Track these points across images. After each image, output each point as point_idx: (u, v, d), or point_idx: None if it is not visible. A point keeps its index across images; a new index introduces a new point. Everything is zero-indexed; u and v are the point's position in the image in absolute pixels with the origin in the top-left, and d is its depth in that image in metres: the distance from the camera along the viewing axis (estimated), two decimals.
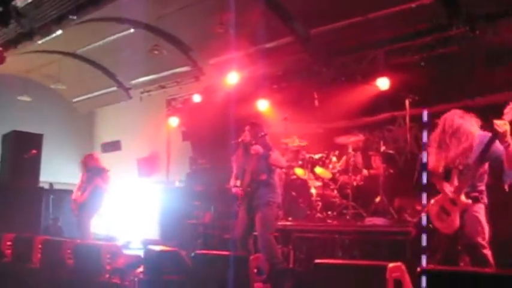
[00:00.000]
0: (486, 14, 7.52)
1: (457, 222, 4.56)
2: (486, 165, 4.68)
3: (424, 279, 3.69)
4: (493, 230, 5.38)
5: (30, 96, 13.53)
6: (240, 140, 6.40)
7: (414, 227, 5.46)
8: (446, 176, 4.72)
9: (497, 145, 4.54)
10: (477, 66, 7.67)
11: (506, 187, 4.69)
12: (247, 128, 6.42)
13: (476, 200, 4.61)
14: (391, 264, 3.92)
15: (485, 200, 4.67)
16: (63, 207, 12.49)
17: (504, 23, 7.35)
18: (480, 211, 4.60)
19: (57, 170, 13.40)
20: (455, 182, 4.62)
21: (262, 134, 6.37)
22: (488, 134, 4.54)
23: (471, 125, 4.72)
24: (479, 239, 4.47)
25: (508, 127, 4.29)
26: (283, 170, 6.72)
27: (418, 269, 3.77)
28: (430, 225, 4.74)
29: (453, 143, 4.70)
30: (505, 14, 7.38)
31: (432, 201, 4.77)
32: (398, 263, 4.03)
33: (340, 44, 9.38)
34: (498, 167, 4.60)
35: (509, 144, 4.34)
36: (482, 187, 4.68)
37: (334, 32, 9.27)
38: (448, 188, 4.65)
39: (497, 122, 4.31)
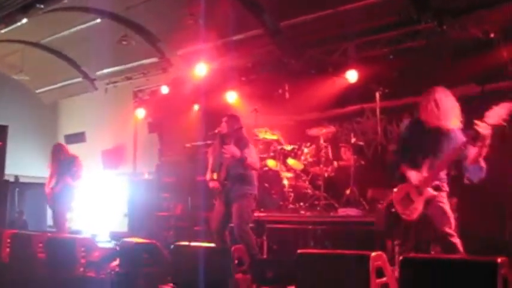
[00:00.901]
0: (453, 9, 7.71)
1: (419, 210, 4.63)
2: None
3: (405, 268, 3.83)
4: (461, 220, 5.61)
5: None
6: (216, 131, 6.37)
7: (384, 211, 5.51)
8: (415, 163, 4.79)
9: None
10: (444, 60, 7.86)
11: (465, 180, 4.80)
12: (224, 119, 6.39)
13: (438, 189, 4.69)
14: (373, 253, 4.03)
15: (446, 188, 4.75)
16: (28, 200, 12.26)
17: (471, 18, 7.55)
18: (443, 200, 4.68)
19: (22, 162, 13.11)
20: (425, 173, 4.70)
21: (238, 127, 6.35)
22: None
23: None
24: (447, 229, 4.56)
25: (489, 131, 4.30)
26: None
27: (401, 258, 3.90)
28: (393, 210, 4.80)
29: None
30: (471, 9, 7.58)
31: (397, 188, 4.84)
32: (380, 252, 4.14)
33: (310, 36, 9.45)
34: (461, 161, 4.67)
35: (485, 146, 4.39)
36: (443, 175, 4.76)
37: (304, 25, 9.32)
38: (416, 177, 4.72)
39: (479, 124, 4.30)
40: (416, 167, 4.75)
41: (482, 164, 4.59)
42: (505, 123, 4.28)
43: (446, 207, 4.67)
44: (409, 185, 4.74)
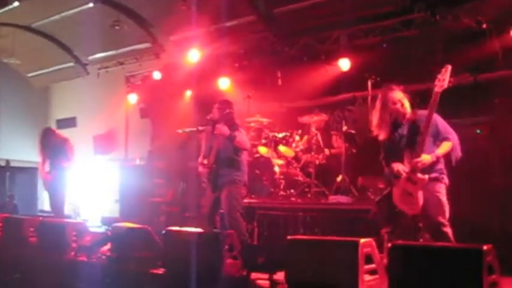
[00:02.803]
0: (446, 0, 7.74)
1: (420, 200, 4.65)
2: (431, 142, 4.79)
3: (393, 255, 3.88)
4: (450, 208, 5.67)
5: None
6: (209, 117, 6.38)
7: (376, 205, 5.58)
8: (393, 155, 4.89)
9: (438, 119, 4.76)
10: (437, 50, 7.89)
11: (453, 162, 4.88)
12: (216, 105, 6.41)
13: (436, 180, 4.73)
14: (362, 240, 4.07)
15: (446, 180, 4.80)
16: (19, 184, 12.25)
17: (464, 8, 7.58)
18: (441, 191, 4.73)
19: (13, 146, 13.06)
20: (407, 163, 4.75)
21: (228, 111, 6.37)
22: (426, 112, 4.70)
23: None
24: (441, 218, 4.63)
25: (427, 157, 4.63)
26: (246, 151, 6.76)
27: (390, 245, 3.95)
28: (396, 210, 4.83)
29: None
30: (464, 0, 7.62)
31: (394, 186, 4.86)
32: (369, 239, 4.19)
33: (303, 24, 9.46)
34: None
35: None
36: (441, 166, 4.80)
37: (298, 12, 9.31)
38: (402, 167, 4.77)
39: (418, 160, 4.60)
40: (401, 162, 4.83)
41: (454, 142, 4.78)
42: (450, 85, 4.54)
43: (443, 198, 4.72)
44: (401, 180, 4.77)
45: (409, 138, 4.84)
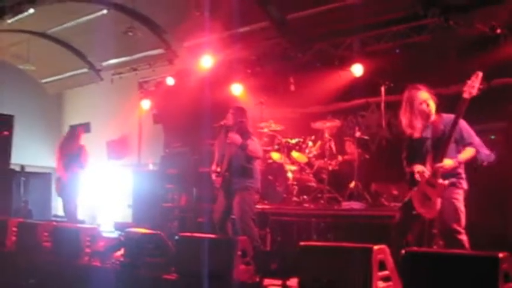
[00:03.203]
0: (460, 5, 7.70)
1: (438, 205, 4.61)
2: (454, 147, 4.76)
3: (407, 261, 3.85)
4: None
5: None
6: (222, 123, 6.38)
7: (399, 211, 5.49)
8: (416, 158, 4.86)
9: (462, 124, 4.72)
10: (450, 55, 7.86)
11: (484, 164, 4.86)
12: (231, 111, 6.40)
13: (454, 186, 4.69)
14: (375, 247, 4.05)
15: (464, 185, 4.76)
16: (33, 189, 12.32)
17: (477, 14, 7.54)
18: (459, 197, 4.68)
19: (27, 152, 13.18)
20: (429, 166, 4.71)
21: (240, 120, 6.36)
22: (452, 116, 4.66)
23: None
24: (456, 226, 4.59)
25: (450, 162, 4.58)
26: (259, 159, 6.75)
27: (403, 251, 3.92)
28: (414, 212, 4.80)
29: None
30: (478, 6, 7.58)
31: (415, 188, 4.81)
32: (383, 245, 4.16)
33: (316, 29, 9.46)
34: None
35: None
36: (460, 171, 4.76)
37: (311, 18, 9.33)
38: (423, 169, 4.73)
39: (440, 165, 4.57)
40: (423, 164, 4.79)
41: (483, 150, 4.77)
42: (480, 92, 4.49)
43: (460, 204, 4.68)
44: (422, 184, 4.73)
45: (433, 141, 4.79)
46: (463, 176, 4.78)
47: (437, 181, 4.61)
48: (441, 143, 4.67)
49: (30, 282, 6.28)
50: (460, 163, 4.68)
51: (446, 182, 4.62)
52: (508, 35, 7.23)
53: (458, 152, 4.74)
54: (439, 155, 4.63)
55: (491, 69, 7.26)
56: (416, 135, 4.91)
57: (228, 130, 6.29)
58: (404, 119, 4.98)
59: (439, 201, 4.62)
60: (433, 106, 4.87)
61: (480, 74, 4.54)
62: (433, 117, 4.86)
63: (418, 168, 4.77)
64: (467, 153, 4.71)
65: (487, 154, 4.85)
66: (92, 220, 12.06)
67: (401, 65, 8.40)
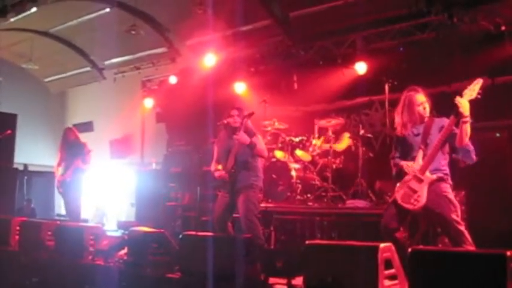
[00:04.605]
0: (464, 2, 7.67)
1: (423, 198, 4.64)
2: (447, 146, 4.80)
3: (413, 260, 3.82)
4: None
5: (1, 75, 13.23)
6: (225, 122, 6.34)
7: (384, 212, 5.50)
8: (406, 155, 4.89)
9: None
10: (454, 53, 7.84)
11: (460, 163, 4.86)
12: (235, 112, 6.36)
13: (441, 180, 4.71)
14: (382, 245, 4.02)
15: (450, 181, 4.78)
16: (36, 188, 12.35)
17: (481, 11, 7.51)
18: (448, 190, 4.71)
19: (30, 151, 13.18)
20: (420, 162, 4.73)
21: (246, 120, 6.31)
22: (445, 119, 4.69)
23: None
24: (453, 215, 4.58)
25: (468, 105, 4.44)
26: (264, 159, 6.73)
27: (409, 249, 3.90)
28: (400, 209, 4.79)
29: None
30: (481, 2, 7.55)
31: (398, 184, 4.85)
32: (389, 244, 4.13)
33: (319, 27, 9.44)
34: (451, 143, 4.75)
35: (466, 122, 4.49)
36: (445, 167, 4.79)
37: (314, 16, 9.31)
38: (411, 165, 4.76)
39: (458, 99, 4.45)
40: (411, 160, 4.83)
41: (470, 146, 4.70)
42: (479, 96, 4.44)
43: (451, 196, 4.69)
44: (407, 179, 4.76)
45: (422, 140, 4.82)
46: (448, 172, 4.79)
47: (425, 175, 4.66)
48: (431, 140, 4.73)
49: (34, 281, 6.26)
50: (467, 117, 4.57)
51: (434, 176, 4.66)
52: None
53: (445, 152, 4.79)
54: (427, 152, 4.69)
55: (495, 67, 7.30)
56: (407, 134, 4.94)
57: (231, 128, 6.25)
58: (398, 118, 5.02)
59: (425, 193, 4.63)
60: (428, 109, 4.91)
61: (481, 81, 4.53)
62: (426, 119, 4.91)
63: (405, 164, 4.82)
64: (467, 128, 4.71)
65: (471, 152, 4.83)
66: (100, 219, 12.07)
67: (405, 62, 8.38)
